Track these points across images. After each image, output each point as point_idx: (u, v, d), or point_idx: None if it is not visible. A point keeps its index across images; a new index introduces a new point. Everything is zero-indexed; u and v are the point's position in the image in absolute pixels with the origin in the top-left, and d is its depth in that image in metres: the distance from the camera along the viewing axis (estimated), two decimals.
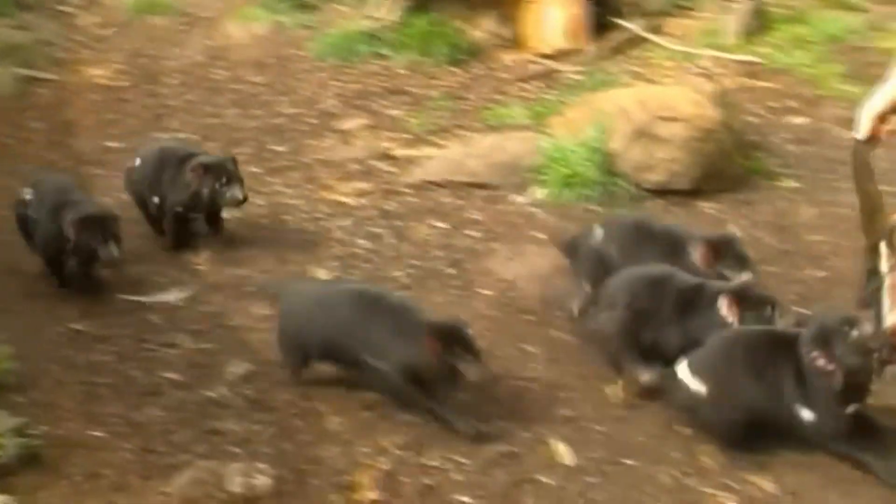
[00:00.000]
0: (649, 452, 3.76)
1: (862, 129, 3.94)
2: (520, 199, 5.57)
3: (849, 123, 6.06)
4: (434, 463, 3.71)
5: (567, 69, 7.03)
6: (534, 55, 7.25)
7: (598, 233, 4.55)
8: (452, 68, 7.11)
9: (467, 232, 5.32)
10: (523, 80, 7.00)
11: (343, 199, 5.63)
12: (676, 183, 5.47)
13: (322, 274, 4.91)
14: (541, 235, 5.21)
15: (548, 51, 7.23)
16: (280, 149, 6.16)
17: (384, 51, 7.23)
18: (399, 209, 5.55)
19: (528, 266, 4.93)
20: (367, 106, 6.74)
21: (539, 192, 5.56)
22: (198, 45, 7.47)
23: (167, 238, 5.16)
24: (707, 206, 5.42)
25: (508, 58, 7.29)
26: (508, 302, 4.70)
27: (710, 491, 3.58)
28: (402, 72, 7.08)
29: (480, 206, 5.55)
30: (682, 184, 5.47)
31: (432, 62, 7.12)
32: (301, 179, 5.74)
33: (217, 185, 5.00)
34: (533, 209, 5.48)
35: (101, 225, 4.63)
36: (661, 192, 5.47)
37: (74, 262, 4.72)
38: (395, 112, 6.59)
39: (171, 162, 5.13)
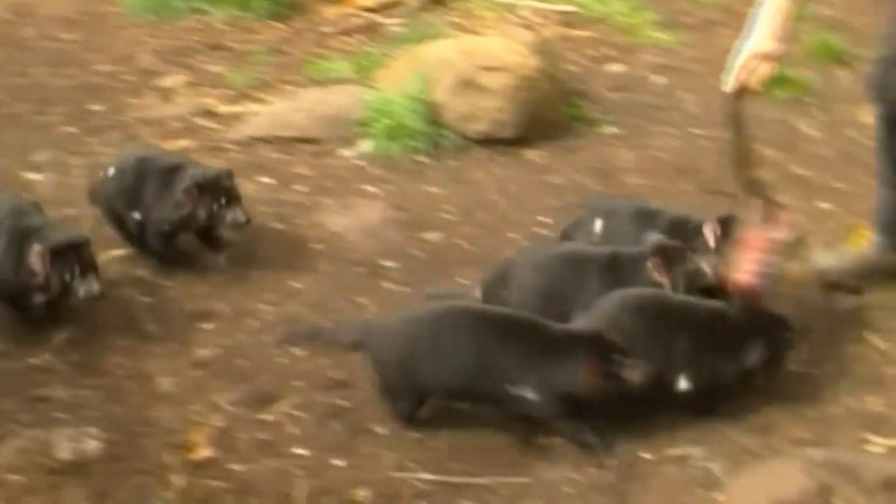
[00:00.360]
0: None
1: (731, 83, 3.91)
2: (347, 152, 5.55)
3: (663, 70, 6.36)
4: (269, 418, 3.70)
5: (389, 22, 7.00)
6: (355, 8, 7.17)
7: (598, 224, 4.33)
8: (273, 22, 7.00)
9: (295, 187, 5.27)
10: (345, 33, 6.95)
11: None
12: (501, 132, 5.54)
13: None
14: (369, 188, 5.22)
15: (369, 3, 7.17)
16: (97, 108, 5.94)
17: (202, 6, 7.06)
18: (224, 166, 5.45)
19: (358, 219, 4.93)
20: (186, 62, 6.58)
21: (366, 145, 5.55)
22: (1, 0, 7.13)
23: (154, 256, 4.58)
24: (532, 154, 5.51)
25: (330, 11, 7.21)
26: (339, 255, 4.68)
27: None
28: (222, 27, 6.93)
29: (307, 160, 5.50)
30: (506, 133, 5.54)
31: (252, 17, 6.98)
32: (121, 139, 5.56)
33: (215, 207, 4.44)
34: (360, 162, 5.47)
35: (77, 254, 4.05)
36: (487, 142, 5.53)
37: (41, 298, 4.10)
38: (215, 68, 6.45)
39: (153, 173, 4.55)
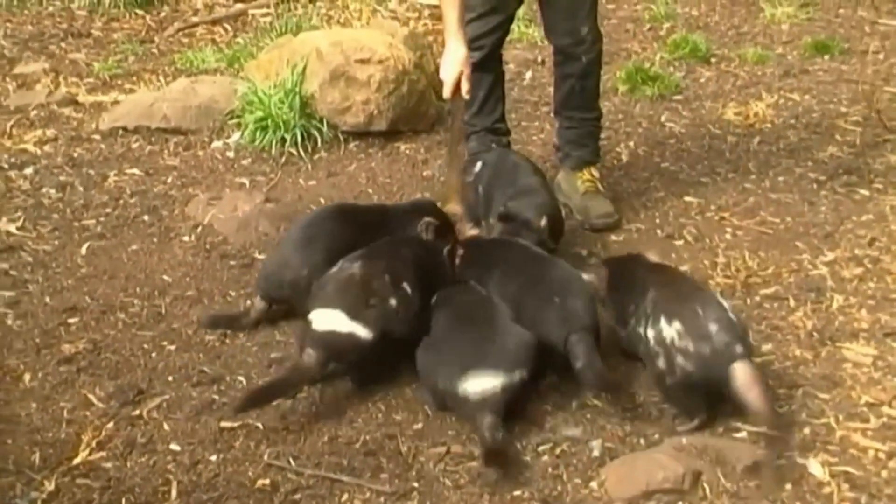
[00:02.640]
0: None
1: (447, 91, 4.27)
2: (217, 143, 5.46)
3: (533, 65, 6.43)
4: (142, 414, 3.60)
5: (258, 12, 6.93)
6: None
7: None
8: (138, 10, 6.86)
9: (163, 178, 5.16)
10: (213, 23, 6.85)
11: (27, 147, 5.32)
12: (374, 124, 5.52)
13: (10, 227, 4.63)
14: (241, 180, 5.14)
15: None
16: None
17: None
18: (88, 157, 5.31)
19: (228, 211, 4.83)
20: (46, 49, 6.40)
21: (236, 137, 5.47)
22: None
23: None
24: (405, 147, 5.51)
25: (196, 0, 7.10)
26: (210, 247, 4.59)
27: None
28: (83, 13, 6.78)
29: (176, 151, 5.39)
30: (379, 125, 5.53)
31: (114, 4, 6.84)
32: None
33: None
34: (230, 153, 5.38)
35: None
36: (360, 134, 5.52)
37: None
38: (77, 56, 6.29)
39: None
